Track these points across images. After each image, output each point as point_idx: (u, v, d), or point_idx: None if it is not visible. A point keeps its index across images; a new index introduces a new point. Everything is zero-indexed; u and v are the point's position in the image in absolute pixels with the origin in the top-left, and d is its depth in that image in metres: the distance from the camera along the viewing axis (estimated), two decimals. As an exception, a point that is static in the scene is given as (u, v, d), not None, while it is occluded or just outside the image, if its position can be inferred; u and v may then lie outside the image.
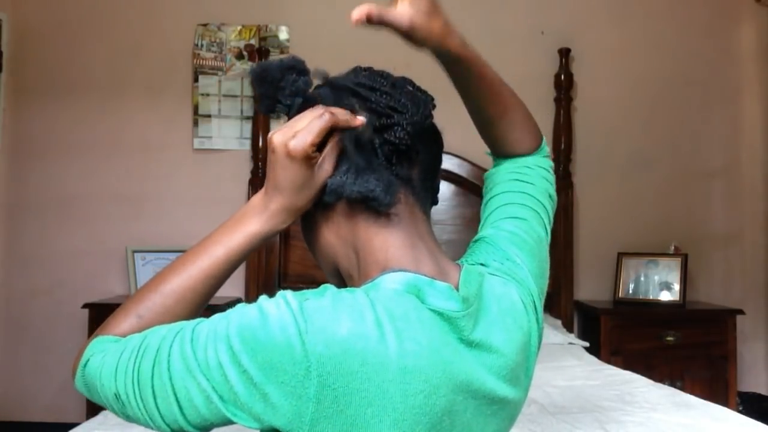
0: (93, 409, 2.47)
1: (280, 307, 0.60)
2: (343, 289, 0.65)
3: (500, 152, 0.89)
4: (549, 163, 0.90)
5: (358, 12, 0.67)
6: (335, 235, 0.74)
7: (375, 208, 0.70)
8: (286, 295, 0.62)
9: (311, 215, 0.76)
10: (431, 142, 0.77)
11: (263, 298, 0.63)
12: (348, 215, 0.73)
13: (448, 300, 0.67)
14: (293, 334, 0.58)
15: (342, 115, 0.69)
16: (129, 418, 0.66)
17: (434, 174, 0.78)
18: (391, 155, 0.71)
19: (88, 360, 0.68)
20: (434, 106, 0.75)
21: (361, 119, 0.70)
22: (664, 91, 3.15)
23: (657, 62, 3.15)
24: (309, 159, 0.68)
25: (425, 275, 0.69)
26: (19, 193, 3.10)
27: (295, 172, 0.69)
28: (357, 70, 0.76)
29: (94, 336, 0.70)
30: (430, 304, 0.66)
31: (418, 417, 0.61)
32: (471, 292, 0.70)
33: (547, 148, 0.90)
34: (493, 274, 0.77)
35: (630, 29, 3.17)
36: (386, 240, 0.71)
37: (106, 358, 0.66)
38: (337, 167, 0.71)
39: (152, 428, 0.64)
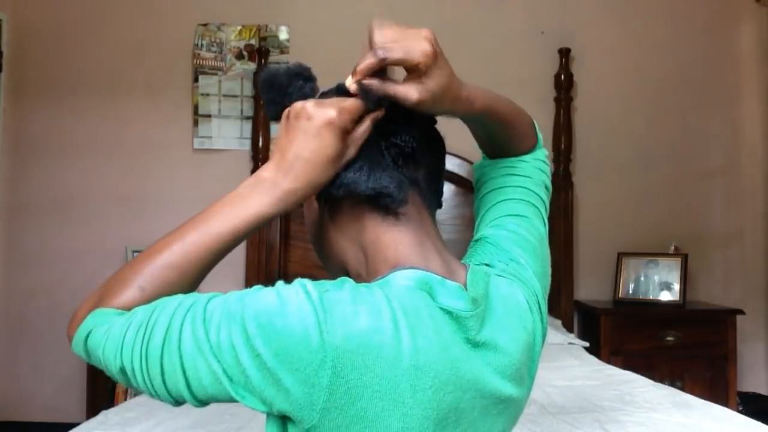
0: (93, 409, 2.48)
1: (299, 296, 0.60)
2: (360, 284, 0.65)
3: (501, 157, 0.86)
4: (544, 153, 0.88)
5: (355, 84, 0.66)
6: (343, 235, 0.75)
7: (387, 205, 0.70)
8: (305, 285, 0.62)
9: (319, 218, 0.77)
10: (435, 145, 0.77)
11: (281, 284, 0.63)
12: (356, 215, 0.73)
13: (458, 300, 0.68)
14: (312, 324, 0.58)
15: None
16: (131, 387, 0.66)
17: (439, 176, 0.79)
18: (397, 157, 0.72)
19: (89, 332, 0.66)
20: None
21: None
22: (664, 91, 3.14)
23: (657, 62, 3.15)
24: (345, 133, 0.68)
25: (435, 273, 0.69)
26: (19, 193, 3.10)
27: (329, 143, 0.67)
28: None
29: (92, 305, 0.68)
30: (441, 302, 0.67)
31: (426, 411, 0.62)
32: (479, 292, 0.71)
33: (540, 135, 0.88)
34: (499, 275, 0.77)
35: (630, 29, 3.17)
36: (395, 238, 0.71)
37: (111, 331, 0.65)
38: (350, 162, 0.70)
39: (154, 398, 0.65)
